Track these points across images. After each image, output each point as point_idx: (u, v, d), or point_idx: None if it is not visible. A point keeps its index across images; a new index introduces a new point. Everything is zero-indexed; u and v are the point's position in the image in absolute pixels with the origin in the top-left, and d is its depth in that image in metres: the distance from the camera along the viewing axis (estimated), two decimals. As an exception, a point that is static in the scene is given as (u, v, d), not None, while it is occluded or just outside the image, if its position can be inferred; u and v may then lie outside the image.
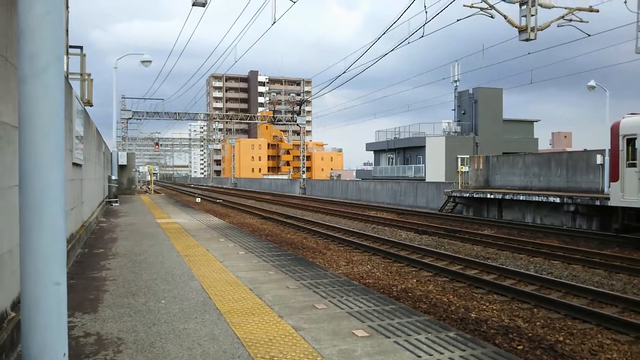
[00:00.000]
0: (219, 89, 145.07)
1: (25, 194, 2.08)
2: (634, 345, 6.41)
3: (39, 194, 2.08)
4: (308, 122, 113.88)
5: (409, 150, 50.64)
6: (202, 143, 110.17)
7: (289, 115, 54.51)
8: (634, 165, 14.98)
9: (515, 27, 16.44)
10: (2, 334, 3.49)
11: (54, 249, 2.11)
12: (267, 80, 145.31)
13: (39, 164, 2.08)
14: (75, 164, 9.30)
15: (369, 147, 58.58)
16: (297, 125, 52.42)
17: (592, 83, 24.08)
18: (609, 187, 16.25)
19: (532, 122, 51.97)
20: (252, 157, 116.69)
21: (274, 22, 19.71)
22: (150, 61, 24.37)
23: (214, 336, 4.06)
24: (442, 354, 3.70)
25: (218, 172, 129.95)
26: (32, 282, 2.08)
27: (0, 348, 3.29)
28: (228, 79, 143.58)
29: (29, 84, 2.08)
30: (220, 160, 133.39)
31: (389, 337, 4.04)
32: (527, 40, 16.43)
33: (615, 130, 15.80)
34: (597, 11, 17.42)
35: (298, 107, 53.02)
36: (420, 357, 3.62)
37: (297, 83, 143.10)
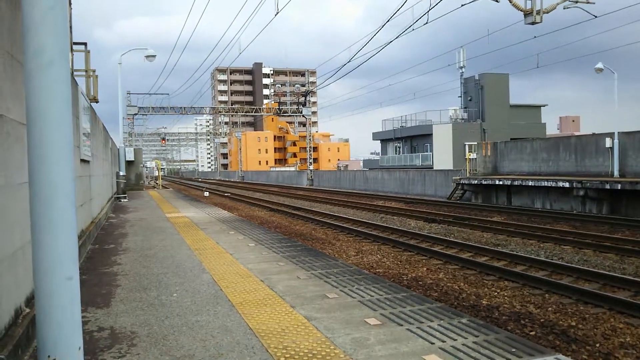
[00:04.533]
0: (223, 82, 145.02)
1: (35, 190, 2.08)
2: (647, 328, 6.38)
3: (49, 190, 2.08)
4: (314, 113, 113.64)
5: (416, 139, 50.45)
6: (208, 137, 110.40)
7: (295, 106, 54.45)
8: None
9: (521, 10, 16.29)
10: (18, 329, 3.52)
11: (65, 244, 2.11)
12: (272, 72, 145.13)
13: (48, 159, 2.08)
14: (83, 161, 9.32)
15: (375, 136, 58.43)
16: (303, 116, 52.34)
17: (599, 65, 23.84)
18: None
19: (539, 106, 51.61)
20: (259, 149, 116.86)
21: (277, 13, 19.64)
22: (154, 56, 24.36)
23: (226, 328, 4.07)
24: (455, 340, 3.69)
25: (225, 166, 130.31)
26: (45, 278, 2.08)
27: (16, 343, 3.32)
28: (232, 71, 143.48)
29: (35, 80, 2.08)
30: (227, 154, 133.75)
31: (402, 325, 4.03)
32: (532, 23, 16.28)
33: None
34: (604, -8, 17.20)
35: (303, 98, 52.94)
36: (433, 343, 3.62)
37: (301, 74, 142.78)
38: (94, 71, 16.46)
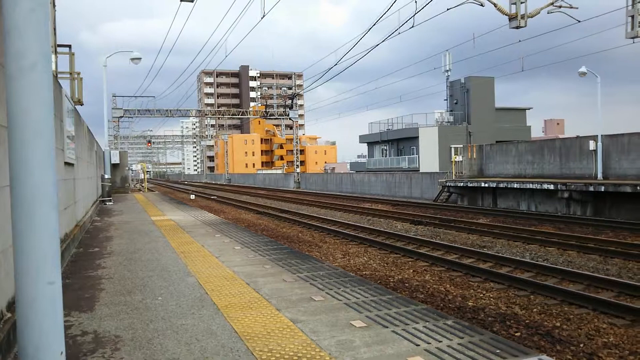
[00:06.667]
0: (210, 84, 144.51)
1: (16, 193, 2.06)
2: (630, 328, 6.46)
3: (30, 193, 2.06)
4: (300, 115, 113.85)
5: (403, 141, 50.66)
6: (194, 140, 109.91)
7: (281, 109, 54.40)
8: None
9: (506, 14, 16.45)
10: (-1, 335, 3.48)
11: (47, 248, 2.09)
12: (258, 75, 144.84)
13: (29, 162, 2.06)
14: (67, 164, 9.24)
15: (362, 139, 58.58)
16: (290, 119, 52.35)
17: (583, 69, 24.13)
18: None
19: (524, 110, 52.07)
20: (246, 152, 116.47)
21: (264, 16, 19.62)
22: (139, 58, 24.21)
23: (211, 331, 4.05)
24: (440, 342, 3.70)
25: (211, 169, 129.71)
26: (26, 282, 2.06)
27: (-4, 349, 3.28)
28: (219, 74, 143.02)
29: (17, 82, 2.06)
30: (213, 157, 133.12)
31: (387, 327, 4.04)
32: (517, 27, 16.44)
33: None
34: (587, -3, 17.42)
35: (290, 100, 52.93)
36: (418, 345, 3.63)
37: (288, 77, 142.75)
38: (78, 73, 16.32)
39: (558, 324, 6.63)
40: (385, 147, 54.51)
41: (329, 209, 25.03)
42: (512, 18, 16.43)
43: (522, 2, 16.24)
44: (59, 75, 14.22)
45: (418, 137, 45.89)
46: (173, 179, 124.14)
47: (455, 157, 30.19)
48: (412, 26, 16.92)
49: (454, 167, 29.62)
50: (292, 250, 8.29)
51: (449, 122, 47.80)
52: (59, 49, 15.00)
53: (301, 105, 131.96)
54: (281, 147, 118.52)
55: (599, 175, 21.90)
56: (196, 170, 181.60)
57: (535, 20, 16.87)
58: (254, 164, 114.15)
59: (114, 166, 29.50)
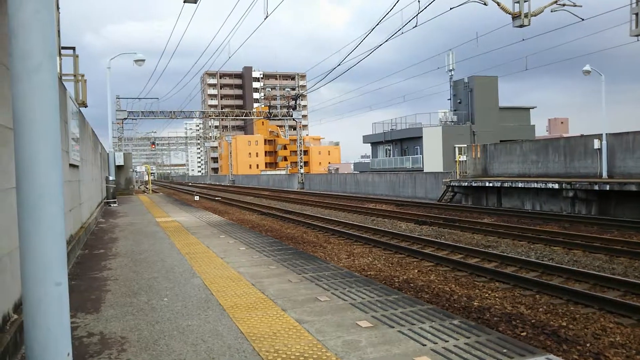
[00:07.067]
0: (213, 86, 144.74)
1: (23, 195, 2.06)
2: (636, 327, 6.42)
3: (37, 195, 2.06)
4: (304, 116, 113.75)
5: (406, 141, 50.59)
6: (198, 141, 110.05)
7: (285, 110, 54.42)
8: None
9: (509, 13, 16.41)
10: (5, 336, 3.48)
11: (53, 249, 2.09)
12: (262, 76, 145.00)
13: (35, 164, 2.06)
14: (72, 165, 9.26)
15: (366, 139, 58.55)
16: (293, 120, 52.36)
17: (587, 68, 24.04)
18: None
19: (528, 109, 51.93)
20: (249, 153, 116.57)
21: (267, 17, 19.64)
22: (143, 60, 24.24)
23: (217, 332, 4.05)
24: (446, 341, 3.69)
25: (215, 170, 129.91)
26: (33, 283, 2.06)
27: (3, 350, 3.28)
28: (222, 75, 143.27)
29: (22, 84, 2.06)
30: (217, 158, 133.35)
31: (393, 327, 4.03)
32: (521, 26, 16.40)
33: None
34: (590, -5, 17.37)
35: (293, 101, 52.93)
36: (425, 345, 3.62)
37: (291, 77, 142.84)
38: (82, 76, 16.36)
39: (564, 324, 6.60)
40: (389, 147, 54.46)
41: (333, 210, 25.01)
42: (515, 17, 16.39)
43: (525, 1, 16.20)
44: (63, 78, 14.27)
45: (422, 137, 45.82)
46: (177, 181, 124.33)
47: (459, 157, 30.14)
48: (415, 26, 16.91)
49: (458, 167, 29.57)
50: (296, 250, 8.28)
51: (452, 121, 47.73)
52: (63, 52, 15.06)
53: (304, 106, 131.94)
54: (285, 147, 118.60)
55: (604, 174, 21.82)
56: (200, 171, 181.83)
57: (538, 19, 16.85)
58: (257, 165, 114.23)
59: (119, 168, 29.58)
